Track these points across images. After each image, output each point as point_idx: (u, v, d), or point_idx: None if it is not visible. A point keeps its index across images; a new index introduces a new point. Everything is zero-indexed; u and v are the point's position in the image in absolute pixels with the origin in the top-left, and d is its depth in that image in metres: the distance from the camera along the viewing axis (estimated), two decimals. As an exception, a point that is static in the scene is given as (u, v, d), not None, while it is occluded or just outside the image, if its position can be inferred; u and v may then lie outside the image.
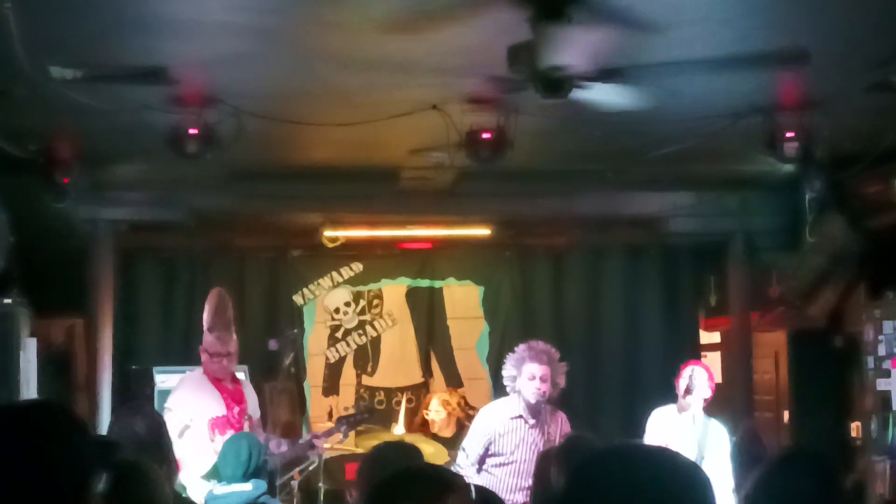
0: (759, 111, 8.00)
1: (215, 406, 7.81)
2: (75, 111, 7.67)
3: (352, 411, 9.60)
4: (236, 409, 7.93)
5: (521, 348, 7.73)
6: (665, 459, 2.35)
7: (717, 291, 11.97)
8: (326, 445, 9.01)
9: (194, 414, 7.72)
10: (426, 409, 10.79)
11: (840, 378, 10.68)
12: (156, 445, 4.83)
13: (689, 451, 7.62)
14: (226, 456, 6.46)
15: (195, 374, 8.02)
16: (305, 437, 8.81)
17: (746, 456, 6.61)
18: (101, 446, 2.70)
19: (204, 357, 7.88)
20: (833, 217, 9.96)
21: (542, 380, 7.58)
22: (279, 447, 8.35)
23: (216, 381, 7.89)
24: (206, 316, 8.04)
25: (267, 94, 7.67)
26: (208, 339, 7.90)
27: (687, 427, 7.99)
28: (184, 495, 6.40)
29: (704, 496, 2.31)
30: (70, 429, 2.61)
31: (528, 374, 7.58)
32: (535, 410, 7.62)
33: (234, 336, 7.99)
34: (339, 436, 9.19)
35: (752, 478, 3.81)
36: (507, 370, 7.74)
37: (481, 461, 7.72)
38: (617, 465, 2.34)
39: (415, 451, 4.87)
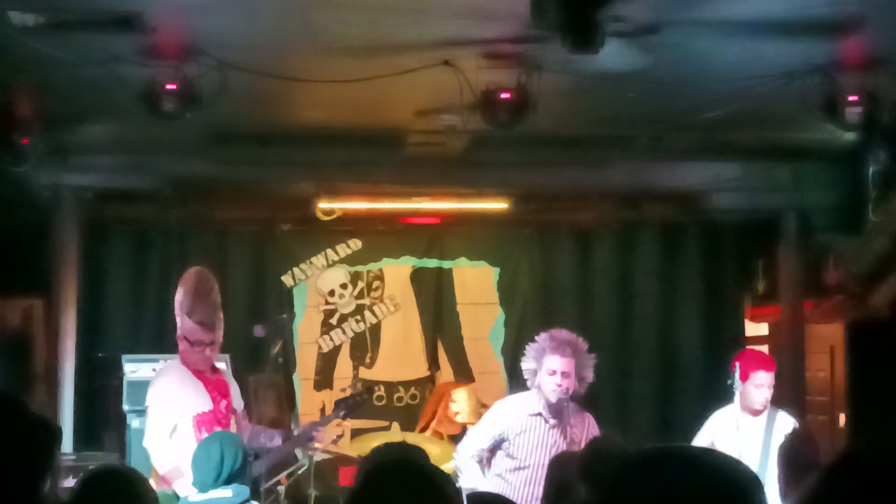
0: (816, 71, 8.00)
1: (200, 401, 7.83)
2: (37, 63, 7.69)
3: (349, 393, 9.63)
4: (223, 404, 7.96)
5: (542, 337, 7.72)
6: (708, 463, 2.37)
7: (765, 277, 11.98)
8: (318, 445, 9.03)
9: (179, 413, 7.74)
10: (451, 400, 10.76)
11: (904, 376, 10.69)
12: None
13: (754, 452, 7.73)
14: (196, 461, 6.48)
15: (175, 365, 8.03)
16: (301, 426, 8.77)
17: (795, 461, 6.62)
18: (44, 430, 2.71)
19: (183, 345, 7.89)
20: (900, 193, 9.97)
21: (564, 375, 7.58)
22: (272, 440, 8.35)
23: (198, 373, 7.91)
24: (182, 298, 8.05)
25: (254, 45, 7.68)
26: (188, 325, 7.90)
27: (751, 426, 8.06)
28: None
29: (753, 500, 2.33)
30: (19, 424, 2.62)
31: (548, 369, 7.59)
32: (556, 409, 7.63)
33: (221, 322, 8.01)
34: (334, 436, 9.22)
35: (806, 484, 3.81)
36: (527, 362, 7.75)
37: (485, 458, 7.73)
38: (656, 473, 2.35)
39: (419, 454, 4.89)
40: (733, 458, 2.46)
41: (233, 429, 7.82)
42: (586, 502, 5.35)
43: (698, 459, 2.41)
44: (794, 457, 6.58)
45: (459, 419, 10.41)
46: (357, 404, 9.15)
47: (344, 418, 9.05)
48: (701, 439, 8.27)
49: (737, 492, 2.35)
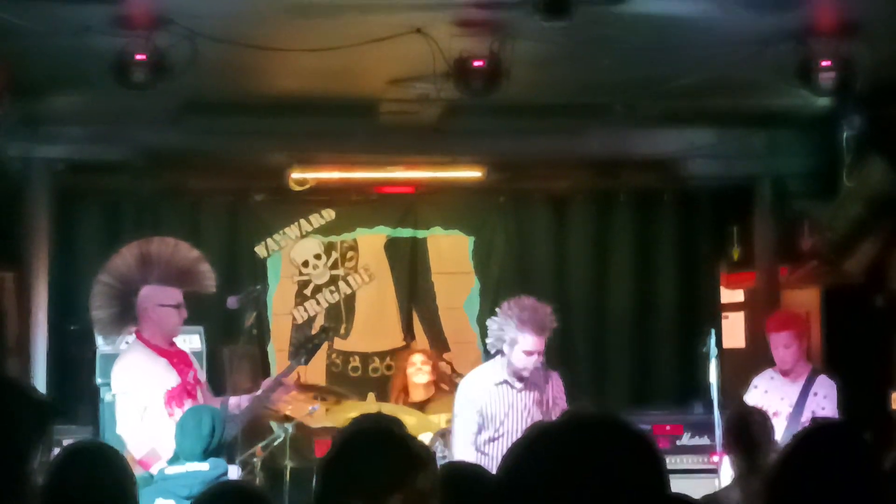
0: (790, 37, 8.03)
1: (168, 376, 7.85)
2: (6, 33, 7.67)
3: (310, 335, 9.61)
4: (191, 374, 7.99)
5: (512, 312, 7.67)
6: (610, 430, 2.43)
7: (740, 243, 12.01)
8: (293, 415, 9.04)
9: (148, 392, 7.76)
10: (409, 363, 10.77)
11: (879, 342, 10.73)
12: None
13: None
14: (184, 429, 6.51)
15: (135, 345, 8.06)
16: (264, 381, 8.75)
17: (742, 437, 6.73)
18: (37, 409, 2.72)
19: (164, 313, 7.96)
20: (874, 159, 9.99)
21: (540, 353, 7.62)
22: (238, 406, 8.35)
23: (159, 349, 7.94)
24: (147, 266, 8.11)
25: (225, 15, 7.67)
26: (165, 292, 7.98)
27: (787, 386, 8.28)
28: None
29: (652, 469, 2.38)
30: (4, 393, 2.63)
31: (524, 348, 7.57)
32: (521, 374, 7.67)
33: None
34: (309, 407, 9.20)
35: (777, 454, 3.88)
36: (493, 331, 7.73)
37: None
38: (556, 438, 2.41)
39: (395, 424, 4.92)
40: (631, 422, 2.53)
41: (200, 400, 7.85)
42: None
43: (598, 425, 2.47)
44: (741, 433, 6.68)
45: (418, 379, 10.43)
46: (318, 346, 9.12)
47: (305, 363, 8.99)
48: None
49: (634, 456, 2.41)
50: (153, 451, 7.52)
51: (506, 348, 7.65)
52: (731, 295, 12.52)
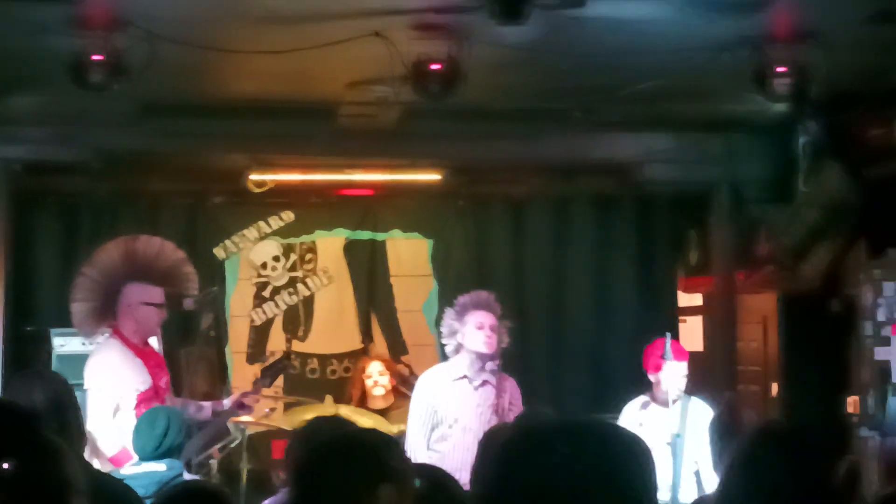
0: (746, 43, 8.07)
1: (141, 378, 7.84)
2: (-39, 33, 7.64)
3: (271, 360, 9.63)
4: (164, 380, 7.99)
5: (462, 298, 7.87)
6: (598, 432, 2.42)
7: (698, 248, 12.07)
8: (249, 418, 9.04)
9: (121, 391, 7.75)
10: (366, 375, 10.79)
11: (835, 347, 10.78)
12: (58, 417, 4.85)
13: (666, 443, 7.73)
14: (138, 429, 6.51)
15: (113, 343, 8.05)
16: (230, 398, 8.78)
17: (725, 432, 6.71)
18: (14, 424, 2.68)
19: (145, 312, 7.96)
20: (830, 165, 10.06)
21: (492, 329, 7.70)
22: (200, 412, 8.36)
23: (135, 349, 7.94)
24: (125, 263, 8.11)
25: (183, 17, 7.66)
26: (137, 288, 7.98)
27: (664, 415, 8.06)
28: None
29: (642, 471, 2.38)
30: None
31: (474, 323, 7.69)
32: (481, 368, 7.72)
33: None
34: (266, 409, 9.22)
35: (727, 454, 3.91)
36: (448, 325, 7.83)
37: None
38: (544, 441, 2.39)
39: (353, 429, 4.94)
40: (623, 428, 2.50)
41: (167, 404, 7.84)
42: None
43: (585, 427, 2.46)
44: (725, 426, 6.68)
45: (376, 392, 10.42)
46: (280, 370, 9.20)
47: (269, 386, 9.06)
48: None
49: (624, 457, 2.40)
50: (124, 451, 7.51)
51: (459, 338, 7.73)
52: (688, 299, 12.58)
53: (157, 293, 8.09)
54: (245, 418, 8.87)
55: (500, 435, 5.96)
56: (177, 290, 8.38)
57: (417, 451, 7.71)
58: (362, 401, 10.57)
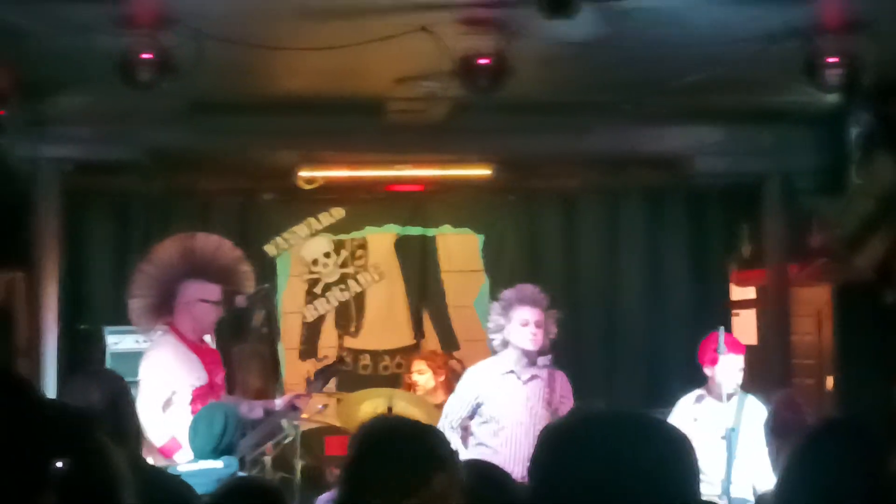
0: (796, 33, 8.01)
1: (197, 374, 7.88)
2: (11, 34, 7.68)
3: (325, 363, 9.63)
4: (219, 376, 8.02)
5: (507, 293, 7.84)
6: (644, 427, 2.41)
7: (750, 241, 12.00)
8: (304, 415, 9.05)
9: (176, 385, 7.79)
10: (409, 373, 10.80)
11: (891, 338, 10.70)
12: (114, 417, 4.86)
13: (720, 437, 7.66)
14: (196, 428, 6.54)
15: (168, 338, 8.09)
16: (283, 399, 8.79)
17: (782, 427, 6.64)
18: (68, 426, 2.67)
19: (202, 309, 7.99)
20: (882, 155, 9.98)
21: (537, 325, 7.68)
22: (251, 411, 8.39)
23: (192, 345, 7.97)
24: (184, 261, 8.15)
25: (232, 14, 7.68)
26: (201, 287, 8.02)
27: (718, 409, 7.99)
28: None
29: (686, 468, 2.36)
30: (25, 404, 2.57)
31: (519, 320, 7.69)
32: (529, 363, 7.70)
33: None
34: (319, 405, 9.23)
35: (786, 451, 3.87)
36: (494, 320, 7.82)
37: (465, 426, 7.78)
38: (589, 433, 2.39)
39: (417, 424, 4.92)
40: (665, 421, 2.50)
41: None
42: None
43: (631, 421, 2.45)
44: (781, 421, 6.61)
45: (420, 389, 10.40)
46: (334, 373, 9.21)
47: (321, 389, 9.09)
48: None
49: (669, 452, 2.38)
50: (173, 441, 7.56)
51: (505, 334, 7.71)
52: (742, 292, 12.50)
53: (214, 290, 8.12)
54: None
55: (557, 429, 5.94)
56: (233, 287, 8.42)
57: (447, 431, 7.70)
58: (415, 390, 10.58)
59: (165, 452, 7.52)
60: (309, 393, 8.81)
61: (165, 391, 7.73)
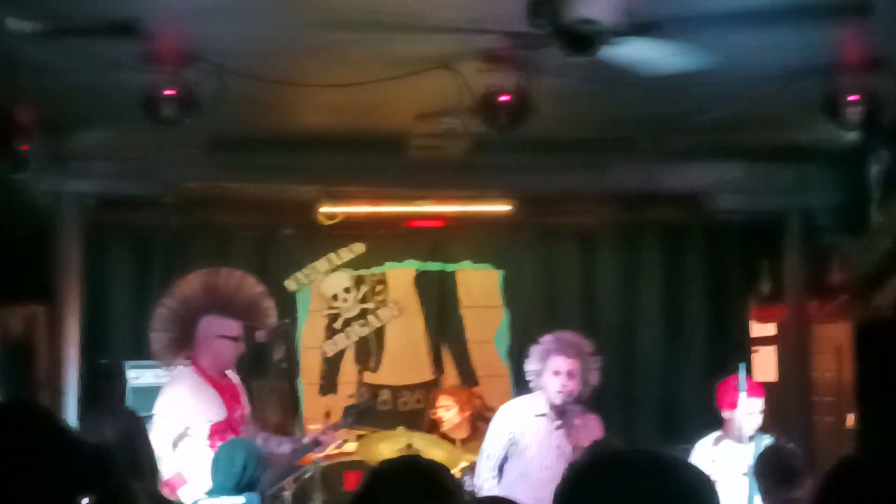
0: (816, 71, 8.00)
1: (215, 409, 7.87)
2: (34, 70, 7.71)
3: (354, 401, 9.59)
4: (238, 412, 8.00)
5: (547, 339, 7.83)
6: (666, 465, 2.40)
7: (770, 278, 11.98)
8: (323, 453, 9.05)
9: (191, 419, 7.78)
10: (433, 409, 10.80)
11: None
12: (129, 453, 4.87)
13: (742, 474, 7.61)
14: (217, 464, 6.55)
15: (187, 374, 8.09)
16: (310, 432, 8.78)
17: (773, 472, 6.64)
18: (94, 461, 2.67)
19: (222, 345, 7.99)
20: (903, 193, 9.97)
21: (569, 376, 7.67)
22: (280, 447, 8.37)
23: (212, 380, 7.97)
24: (204, 295, 8.15)
25: (254, 51, 7.71)
26: (214, 321, 8.02)
27: (738, 450, 7.93)
28: None
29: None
30: (54, 439, 2.57)
31: (552, 369, 7.67)
32: (560, 410, 7.69)
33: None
34: (339, 440, 9.21)
35: (783, 499, 3.84)
36: (531, 363, 7.83)
37: (501, 467, 7.78)
38: (611, 472, 2.39)
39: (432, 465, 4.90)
40: (687, 461, 2.50)
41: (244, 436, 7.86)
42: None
43: (651, 461, 2.44)
44: (772, 468, 6.60)
45: (445, 425, 10.39)
46: (364, 411, 9.18)
47: (352, 426, 9.06)
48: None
49: (691, 492, 2.38)
50: (179, 475, 7.56)
51: (542, 378, 7.71)
52: (761, 329, 12.47)
53: (234, 326, 8.11)
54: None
55: (581, 467, 5.93)
56: (255, 323, 8.41)
57: (485, 475, 7.70)
58: (434, 431, 10.56)
59: (170, 485, 7.52)
60: (338, 429, 8.77)
61: (178, 426, 7.73)
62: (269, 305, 8.50)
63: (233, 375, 8.23)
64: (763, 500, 6.66)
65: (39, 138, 8.97)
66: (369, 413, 9.42)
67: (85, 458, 2.64)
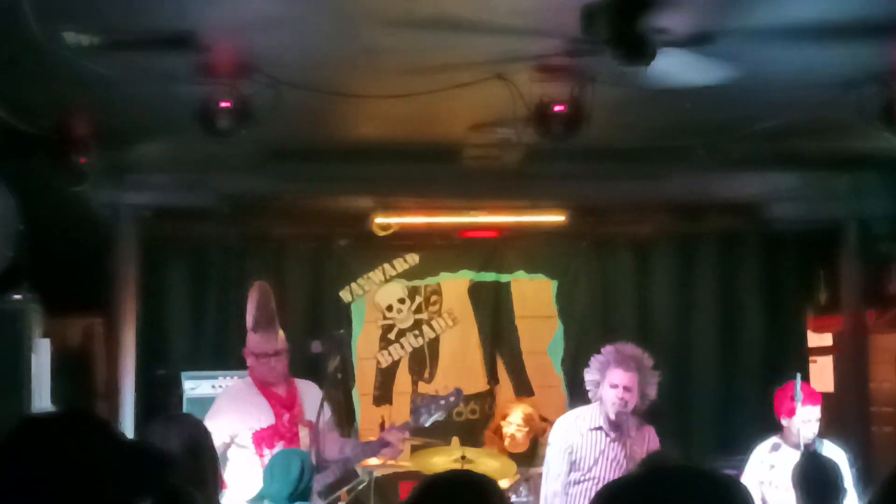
0: (874, 79, 7.96)
1: (261, 416, 7.91)
2: (92, 83, 7.77)
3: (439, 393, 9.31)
4: (286, 417, 8.02)
5: (607, 350, 7.80)
6: (706, 483, 2.40)
7: (827, 287, 11.91)
8: (375, 461, 9.02)
9: (236, 428, 7.84)
10: (503, 419, 10.76)
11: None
12: (194, 463, 4.88)
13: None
14: (272, 472, 6.58)
15: (239, 383, 8.21)
16: (389, 428, 8.66)
17: (809, 483, 6.59)
18: (148, 466, 2.68)
19: (250, 360, 8.03)
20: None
21: (626, 389, 7.63)
22: (351, 450, 8.30)
23: (264, 388, 8.00)
24: (248, 313, 8.17)
25: (308, 63, 7.74)
26: (252, 338, 8.04)
27: (795, 457, 7.87)
28: None
29: None
30: (108, 445, 2.59)
31: (610, 382, 7.64)
32: (616, 423, 7.66)
33: (281, 332, 8.14)
34: (399, 447, 9.01)
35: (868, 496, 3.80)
36: (591, 374, 7.81)
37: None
38: (647, 492, 2.39)
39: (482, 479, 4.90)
40: (728, 476, 2.50)
41: (303, 441, 7.87)
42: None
43: (688, 476, 2.44)
44: (808, 479, 6.55)
45: (512, 439, 10.37)
46: (447, 411, 8.72)
47: (426, 424, 8.69)
48: (751, 476, 8.13)
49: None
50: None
51: (600, 389, 7.69)
52: (818, 339, 12.40)
53: (262, 342, 8.08)
54: (373, 461, 8.86)
55: (617, 486, 5.91)
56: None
57: (554, 495, 7.68)
58: (491, 439, 10.55)
59: None
60: (408, 429, 8.56)
61: (222, 436, 7.78)
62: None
63: (303, 384, 8.22)
64: None
65: (97, 151, 9.06)
66: (446, 415, 9.03)
67: (140, 464, 2.64)
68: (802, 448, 7.82)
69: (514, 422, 10.51)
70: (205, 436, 5.22)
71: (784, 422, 8.04)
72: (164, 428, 5.17)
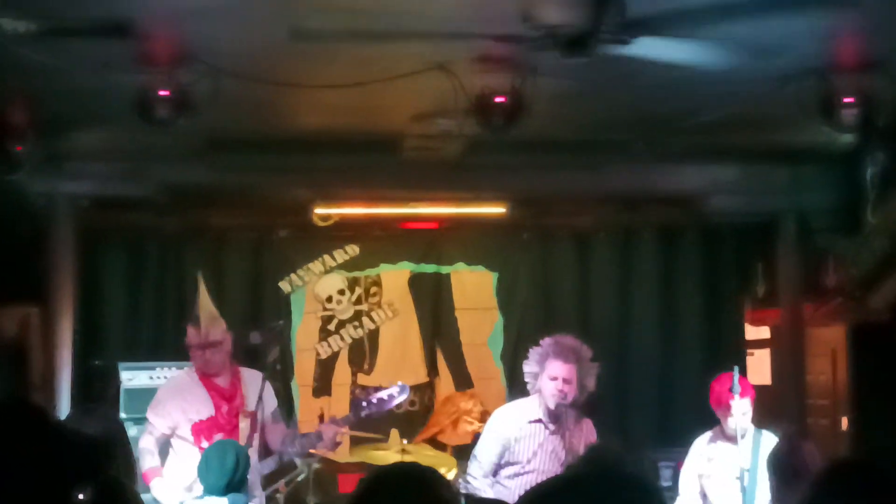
0: (811, 73, 8.01)
1: (201, 408, 7.89)
2: (28, 70, 7.71)
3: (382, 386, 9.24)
4: (225, 409, 7.98)
5: (546, 342, 7.79)
6: (617, 487, 2.42)
7: (765, 280, 11.97)
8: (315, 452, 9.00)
9: (176, 419, 7.84)
10: (463, 411, 10.74)
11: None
12: (106, 453, 4.87)
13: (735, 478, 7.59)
14: (208, 463, 6.56)
15: (182, 374, 8.25)
16: (328, 422, 8.59)
17: (783, 468, 6.61)
18: (87, 455, 2.67)
19: (191, 352, 8.03)
20: (898, 194, 9.97)
21: (566, 381, 7.63)
22: (289, 441, 8.26)
23: (206, 379, 7.98)
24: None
25: (248, 52, 7.70)
26: (191, 330, 8.04)
27: (732, 450, 7.89)
28: None
29: None
30: (47, 434, 2.57)
31: (549, 374, 7.64)
32: (555, 415, 7.67)
33: (222, 323, 8.11)
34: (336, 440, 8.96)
35: (795, 495, 3.84)
36: (529, 366, 7.80)
37: (495, 471, 7.75)
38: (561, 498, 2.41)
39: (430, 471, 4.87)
40: (639, 477, 2.54)
41: (244, 432, 7.84)
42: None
43: (595, 483, 2.47)
44: (783, 465, 6.58)
45: (467, 428, 10.39)
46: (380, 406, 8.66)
47: (360, 423, 8.65)
48: (690, 470, 8.15)
49: None
50: (154, 468, 7.73)
51: (539, 382, 7.68)
52: (756, 331, 12.46)
53: (194, 334, 8.09)
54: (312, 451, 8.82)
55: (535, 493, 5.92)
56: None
57: (480, 480, 7.68)
58: (442, 436, 10.56)
59: (144, 478, 7.65)
60: (344, 424, 8.48)
61: (161, 428, 7.81)
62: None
63: (248, 373, 8.17)
64: (775, 497, 6.64)
65: (33, 139, 8.97)
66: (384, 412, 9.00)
67: (79, 453, 2.63)
68: (753, 437, 7.83)
69: (473, 411, 10.52)
70: (119, 429, 5.23)
71: (719, 413, 8.06)
72: (79, 421, 5.17)
